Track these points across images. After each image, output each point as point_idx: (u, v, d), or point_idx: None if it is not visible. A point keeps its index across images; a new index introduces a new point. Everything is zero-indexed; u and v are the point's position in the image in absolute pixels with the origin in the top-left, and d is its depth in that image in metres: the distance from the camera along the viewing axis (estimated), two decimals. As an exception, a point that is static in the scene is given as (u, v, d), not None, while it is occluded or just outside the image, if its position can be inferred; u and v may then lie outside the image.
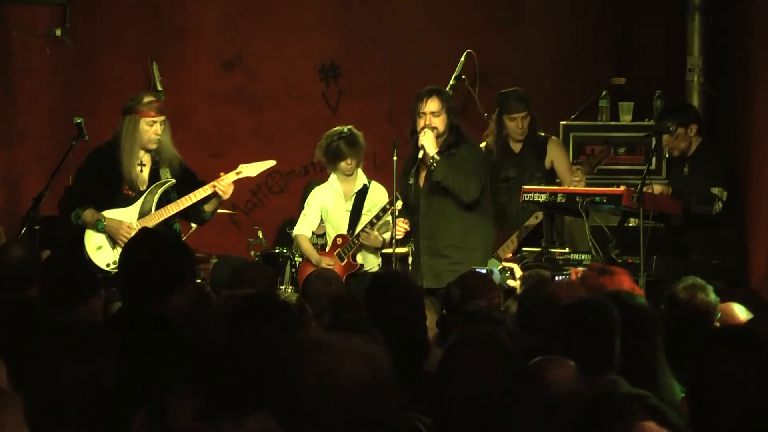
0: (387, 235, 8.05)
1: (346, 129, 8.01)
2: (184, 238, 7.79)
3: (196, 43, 10.05)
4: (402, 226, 7.35)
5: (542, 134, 8.28)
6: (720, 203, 7.40)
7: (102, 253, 7.23)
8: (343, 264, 7.92)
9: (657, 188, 7.46)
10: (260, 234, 8.83)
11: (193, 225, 7.98)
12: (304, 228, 8.13)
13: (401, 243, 7.87)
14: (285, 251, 8.56)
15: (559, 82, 9.68)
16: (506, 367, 3.16)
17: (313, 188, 8.32)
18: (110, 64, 9.95)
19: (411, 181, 7.40)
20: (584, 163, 8.12)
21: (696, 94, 9.11)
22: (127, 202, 7.32)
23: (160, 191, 7.33)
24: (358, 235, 7.93)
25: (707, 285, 5.08)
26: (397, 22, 9.99)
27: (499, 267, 6.57)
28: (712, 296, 5.03)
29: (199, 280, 7.43)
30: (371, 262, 8.09)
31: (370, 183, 8.14)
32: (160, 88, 9.69)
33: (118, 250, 7.19)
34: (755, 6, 8.28)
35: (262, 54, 10.09)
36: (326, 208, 8.13)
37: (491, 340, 3.26)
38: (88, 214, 7.25)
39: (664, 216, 7.27)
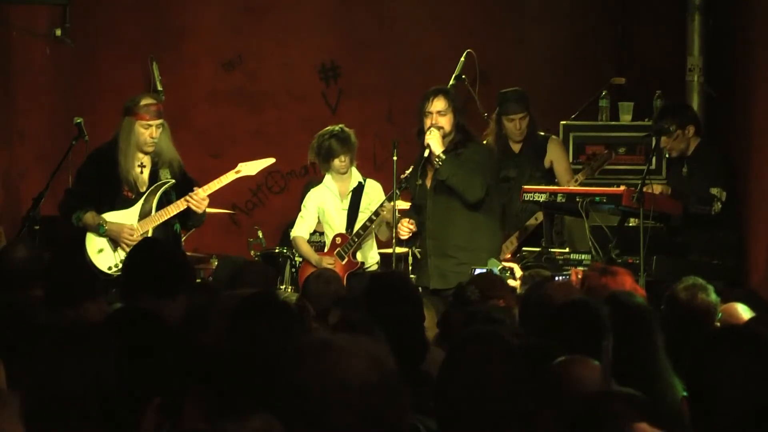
0: (387, 235, 8.05)
1: (336, 127, 8.02)
2: (183, 239, 7.79)
3: (196, 43, 10.05)
4: (408, 227, 7.33)
5: (542, 134, 8.29)
6: (719, 203, 7.40)
7: (103, 256, 7.22)
8: (343, 263, 7.92)
9: (657, 188, 7.46)
10: (260, 234, 8.82)
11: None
12: (301, 230, 8.13)
13: (408, 243, 7.87)
14: (285, 251, 8.56)
15: (559, 82, 9.68)
16: (511, 365, 3.16)
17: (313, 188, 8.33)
18: (110, 64, 9.95)
19: (419, 182, 7.37)
20: (585, 167, 8.12)
21: (696, 94, 9.11)
22: (128, 204, 7.31)
23: (159, 192, 7.33)
24: (358, 233, 7.91)
25: (708, 285, 5.08)
26: (397, 22, 9.99)
27: (499, 267, 6.57)
28: (713, 296, 5.04)
29: (198, 280, 7.43)
30: (372, 261, 8.09)
31: (365, 181, 8.14)
32: (160, 88, 9.68)
33: (120, 252, 7.19)
34: (755, 6, 8.28)
35: (262, 54, 10.09)
36: (323, 208, 8.12)
37: (496, 339, 3.26)
38: (89, 217, 7.24)
39: (664, 216, 7.27)
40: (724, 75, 9.02)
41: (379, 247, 8.29)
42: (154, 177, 7.36)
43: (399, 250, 8.08)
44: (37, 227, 7.62)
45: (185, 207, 7.28)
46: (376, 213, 7.81)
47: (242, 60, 10.09)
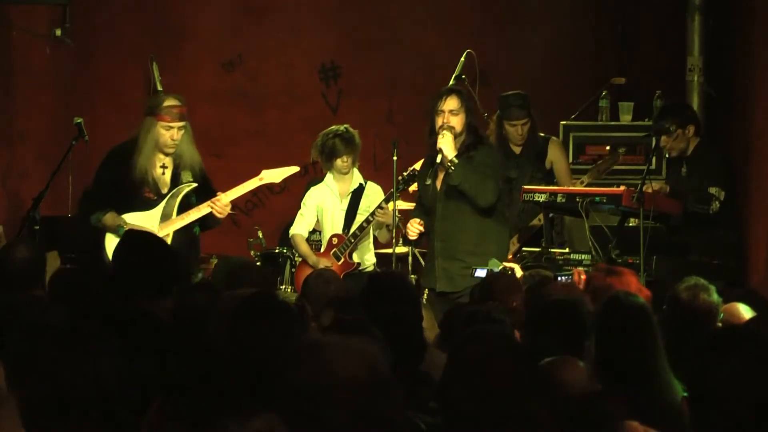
0: (387, 237, 8.04)
1: (342, 127, 8.01)
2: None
3: (196, 43, 10.05)
4: (417, 228, 7.26)
5: (542, 135, 8.29)
6: (717, 203, 7.40)
7: None
8: (340, 263, 7.91)
9: (655, 185, 7.47)
10: (260, 234, 8.82)
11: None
12: (300, 228, 8.13)
13: (415, 244, 7.85)
14: (285, 251, 8.56)
15: (559, 82, 9.68)
16: (515, 365, 3.16)
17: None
18: (110, 64, 9.95)
19: (428, 182, 7.29)
20: (591, 170, 8.12)
21: (696, 94, 9.11)
22: (149, 205, 7.30)
23: (181, 195, 7.33)
24: (355, 233, 7.91)
25: (710, 285, 5.08)
26: (397, 22, 9.99)
27: (500, 267, 6.56)
28: (715, 296, 5.04)
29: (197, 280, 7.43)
30: (368, 262, 8.09)
31: (366, 183, 8.13)
32: (160, 88, 9.68)
33: None
34: (755, 6, 8.29)
35: (262, 54, 10.09)
36: (322, 207, 8.12)
37: (500, 338, 3.26)
38: (109, 218, 7.22)
39: (664, 216, 7.27)
40: (724, 75, 9.02)
41: (379, 248, 8.29)
42: (175, 179, 7.35)
43: (399, 250, 8.09)
44: (37, 227, 7.61)
45: (207, 212, 7.31)
46: (373, 214, 7.80)
47: (242, 60, 10.09)
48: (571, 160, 8.79)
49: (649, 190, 7.05)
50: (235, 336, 3.77)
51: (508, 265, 6.62)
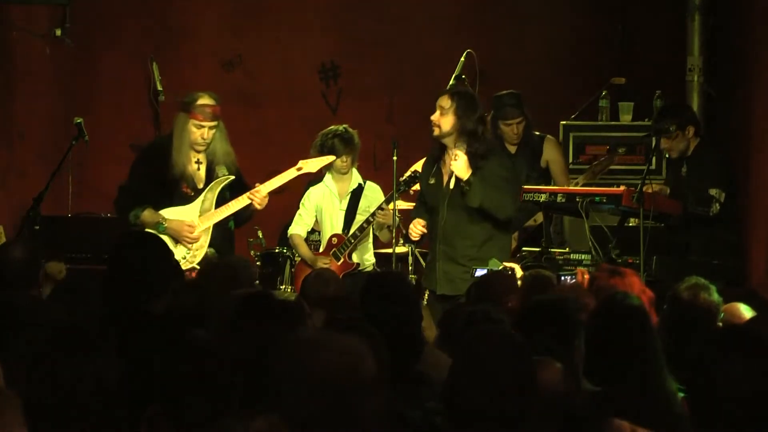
0: (388, 237, 8.03)
1: (341, 127, 8.00)
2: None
3: (196, 43, 10.05)
4: (420, 229, 7.21)
5: (537, 133, 8.27)
6: (717, 204, 7.39)
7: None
8: (339, 263, 7.91)
9: (655, 187, 7.47)
10: (260, 234, 8.82)
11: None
12: (299, 228, 8.13)
13: (417, 244, 7.83)
14: (285, 251, 8.56)
15: (559, 82, 9.68)
16: (520, 364, 3.17)
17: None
18: (110, 64, 9.95)
19: (432, 181, 7.20)
20: (587, 171, 8.12)
21: (696, 94, 9.12)
22: (186, 200, 7.35)
23: (218, 189, 7.37)
24: (355, 234, 7.90)
25: (710, 285, 5.08)
26: (397, 22, 9.99)
27: (500, 267, 6.55)
28: (715, 296, 5.03)
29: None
30: (367, 262, 8.08)
31: (365, 183, 8.13)
32: (160, 88, 9.70)
33: (180, 248, 7.26)
34: (755, 6, 8.29)
35: (262, 54, 10.09)
36: (321, 207, 8.11)
37: (506, 337, 3.26)
38: (147, 215, 7.25)
39: (664, 216, 7.27)
40: (724, 75, 9.03)
41: (379, 247, 8.29)
42: (210, 174, 7.39)
43: (399, 250, 8.08)
44: (37, 227, 7.61)
45: (246, 203, 7.34)
46: (373, 215, 7.79)
47: (242, 60, 10.09)
48: (570, 160, 8.79)
49: (650, 191, 7.05)
50: (235, 336, 3.77)
51: (508, 264, 6.61)
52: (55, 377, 2.85)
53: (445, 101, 7.03)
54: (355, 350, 2.64)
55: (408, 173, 7.69)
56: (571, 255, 7.30)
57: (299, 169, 7.60)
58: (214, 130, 7.34)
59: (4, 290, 5.19)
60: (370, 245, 8.12)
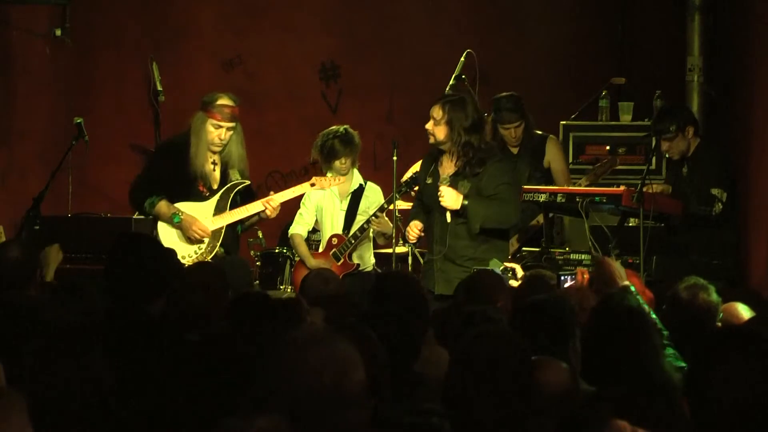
0: (384, 241, 8.03)
1: (342, 128, 8.00)
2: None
3: (196, 43, 10.05)
4: (416, 232, 7.21)
5: (540, 133, 8.25)
6: (719, 204, 7.39)
7: (177, 245, 7.27)
8: (339, 264, 7.90)
9: (656, 188, 7.46)
10: (260, 234, 8.82)
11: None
12: (299, 228, 8.12)
13: (414, 245, 7.82)
14: (285, 251, 8.56)
15: (559, 82, 9.68)
16: (520, 364, 3.17)
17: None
18: (110, 64, 9.95)
19: (429, 181, 7.18)
20: (589, 173, 8.11)
21: (696, 94, 9.11)
22: (202, 199, 7.41)
23: (234, 192, 7.44)
24: (355, 235, 7.90)
25: (709, 285, 5.08)
26: (397, 22, 9.99)
27: (501, 267, 6.54)
28: (714, 296, 5.04)
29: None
30: (368, 262, 8.08)
31: (366, 183, 8.12)
32: (160, 88, 9.69)
33: (190, 246, 7.32)
34: (755, 6, 8.28)
35: (262, 54, 10.09)
36: (321, 207, 8.10)
37: (506, 338, 3.26)
38: (164, 206, 7.31)
39: (664, 216, 7.26)
40: (724, 75, 9.03)
41: (379, 247, 8.28)
42: (224, 176, 7.46)
43: (399, 250, 8.07)
44: (37, 227, 7.62)
45: (260, 210, 7.43)
46: (368, 222, 7.79)
47: (242, 60, 10.09)
48: (571, 160, 8.79)
49: (651, 192, 7.05)
50: (235, 335, 3.77)
51: (509, 265, 6.60)
52: (53, 377, 2.86)
53: (437, 111, 7.00)
54: (344, 359, 2.62)
55: (409, 174, 7.69)
56: (571, 255, 7.30)
57: (312, 184, 7.67)
58: (231, 132, 7.40)
59: (1, 290, 5.19)
60: (371, 245, 8.12)
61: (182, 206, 7.34)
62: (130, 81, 9.92)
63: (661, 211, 7.13)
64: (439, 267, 7.07)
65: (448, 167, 7.10)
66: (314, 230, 8.26)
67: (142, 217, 8.39)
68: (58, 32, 9.38)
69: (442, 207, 7.00)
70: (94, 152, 9.06)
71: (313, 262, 7.82)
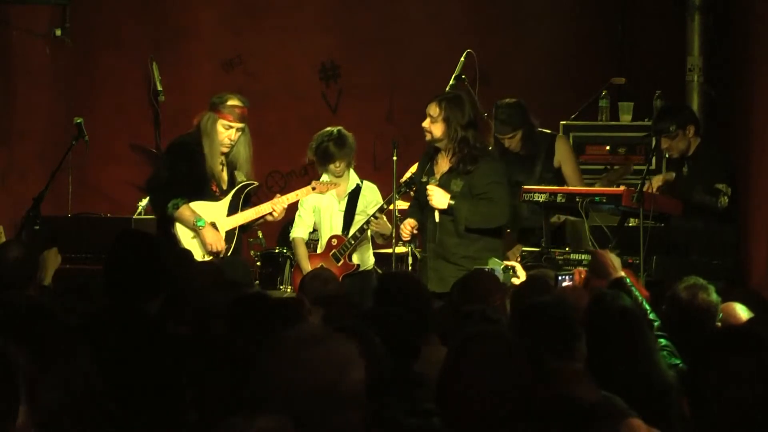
0: (383, 241, 8.03)
1: (335, 130, 7.98)
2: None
3: (196, 43, 10.05)
4: (411, 230, 7.24)
5: (548, 132, 8.18)
6: (725, 198, 7.38)
7: (194, 246, 7.35)
8: (339, 265, 7.89)
9: (658, 179, 7.48)
10: (260, 234, 8.82)
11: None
12: (301, 231, 8.10)
13: (408, 243, 7.83)
14: (285, 251, 8.55)
15: (559, 82, 9.68)
16: (514, 365, 3.16)
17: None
18: (110, 64, 9.95)
19: (424, 179, 7.24)
20: (602, 179, 8.08)
21: (696, 94, 9.11)
22: (214, 199, 7.49)
23: (245, 192, 7.54)
24: (355, 235, 7.89)
25: (709, 285, 5.08)
26: (397, 22, 9.99)
27: (501, 266, 6.54)
28: (714, 296, 5.03)
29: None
30: (368, 262, 8.07)
31: (362, 183, 8.12)
32: (160, 88, 9.69)
33: (201, 249, 7.39)
34: (755, 6, 8.28)
35: (262, 54, 10.09)
36: (319, 208, 8.09)
37: (499, 339, 3.25)
38: (187, 210, 7.38)
39: (664, 216, 7.26)
40: (724, 75, 9.02)
41: (379, 248, 8.28)
42: (231, 178, 7.54)
43: (399, 250, 8.07)
44: (37, 227, 7.62)
45: (267, 213, 7.54)
46: (368, 222, 7.79)
47: (242, 60, 10.09)
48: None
49: (650, 191, 7.04)
50: (235, 335, 3.77)
51: (509, 263, 6.59)
52: (52, 376, 2.86)
53: (433, 109, 7.09)
54: (343, 358, 2.62)
55: (408, 175, 7.68)
56: (571, 255, 7.29)
57: (313, 188, 7.73)
58: (240, 133, 7.44)
59: (2, 290, 5.19)
60: (370, 245, 8.12)
61: (197, 205, 7.41)
62: (130, 81, 9.92)
63: (661, 211, 7.12)
64: (432, 265, 7.13)
65: (443, 165, 7.16)
66: (313, 229, 8.25)
67: (144, 217, 8.42)
68: (58, 32, 9.38)
69: (431, 205, 7.07)
70: (94, 152, 9.06)
71: (308, 268, 7.78)
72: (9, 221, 8.36)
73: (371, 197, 8.04)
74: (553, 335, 3.84)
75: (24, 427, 2.67)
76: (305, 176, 9.69)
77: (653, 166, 8.34)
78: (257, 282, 8.42)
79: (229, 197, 7.49)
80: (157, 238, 6.67)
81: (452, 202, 7.02)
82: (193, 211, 7.39)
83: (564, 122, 9.00)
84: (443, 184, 7.12)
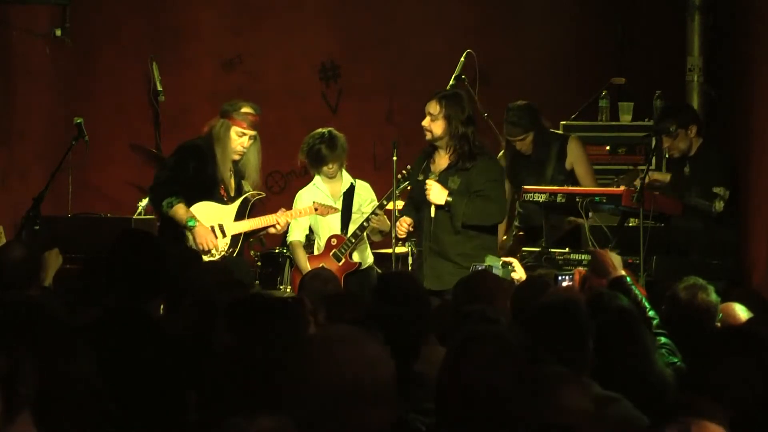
0: (380, 238, 8.03)
1: (326, 132, 7.98)
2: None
3: (196, 43, 10.05)
4: (406, 227, 7.25)
5: (560, 132, 8.13)
6: (721, 202, 7.39)
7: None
8: (340, 264, 7.89)
9: (654, 176, 7.48)
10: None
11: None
12: (297, 234, 8.09)
13: (404, 241, 7.84)
14: (285, 251, 8.55)
15: (559, 82, 9.68)
16: (513, 366, 3.16)
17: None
18: (110, 65, 9.95)
19: (421, 178, 7.26)
20: (618, 181, 8.06)
21: (696, 94, 9.11)
22: (223, 202, 7.52)
23: (252, 201, 7.60)
24: (355, 233, 7.88)
25: (708, 285, 5.08)
26: (397, 22, 9.99)
27: (500, 263, 6.54)
28: (714, 296, 5.04)
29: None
30: (369, 260, 8.08)
31: (356, 182, 8.13)
32: (160, 88, 9.69)
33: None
34: (755, 6, 8.28)
35: (262, 54, 10.09)
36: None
37: (498, 339, 3.25)
38: (182, 209, 7.38)
39: (664, 216, 7.26)
40: (724, 75, 9.02)
41: (378, 247, 8.28)
42: (239, 186, 7.60)
43: (399, 249, 8.07)
44: (37, 227, 7.61)
45: (270, 224, 7.60)
46: (368, 220, 7.79)
47: (242, 60, 10.09)
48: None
49: (647, 180, 7.03)
50: (236, 335, 3.77)
51: (506, 259, 6.59)
52: (51, 376, 2.86)
53: (433, 107, 7.12)
54: (373, 357, 2.62)
55: (407, 169, 7.68)
56: (571, 255, 7.29)
57: (315, 209, 7.77)
58: (252, 140, 7.49)
59: (4, 290, 5.19)
60: (367, 243, 8.13)
61: (207, 205, 7.44)
62: (130, 81, 9.92)
63: (661, 211, 7.12)
64: (429, 262, 7.14)
65: (441, 162, 7.18)
66: (310, 230, 8.25)
67: (144, 217, 8.41)
68: (58, 32, 9.38)
69: (429, 202, 7.11)
70: (94, 152, 9.06)
71: (308, 268, 7.79)
72: (9, 221, 8.36)
73: (365, 195, 8.08)
74: (563, 337, 3.79)
75: (24, 427, 2.66)
76: (305, 176, 9.68)
77: (653, 166, 8.34)
78: (257, 282, 8.42)
79: (237, 203, 7.54)
80: (157, 238, 6.70)
81: (450, 198, 7.05)
82: (187, 211, 7.38)
83: (564, 122, 9.00)
84: (441, 181, 7.15)
